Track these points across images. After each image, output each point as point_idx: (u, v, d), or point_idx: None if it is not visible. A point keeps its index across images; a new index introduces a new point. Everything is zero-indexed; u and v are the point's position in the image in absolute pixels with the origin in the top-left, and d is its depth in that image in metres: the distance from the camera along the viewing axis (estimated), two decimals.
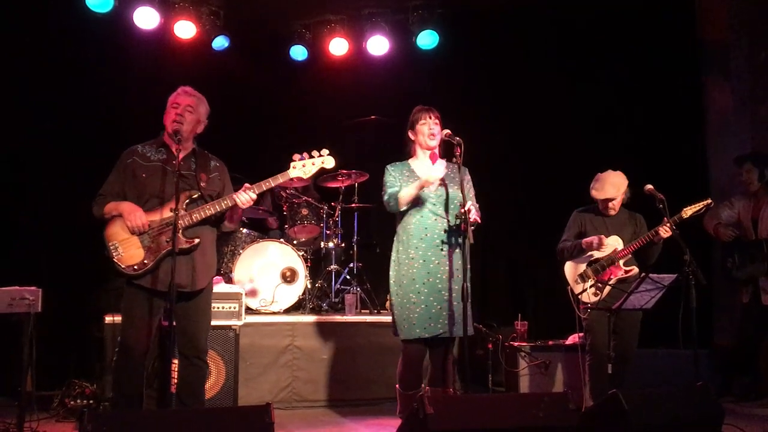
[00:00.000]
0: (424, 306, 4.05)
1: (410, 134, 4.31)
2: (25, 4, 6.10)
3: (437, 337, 4.06)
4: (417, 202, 4.14)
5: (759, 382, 5.78)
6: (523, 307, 6.76)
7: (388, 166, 4.32)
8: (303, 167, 3.87)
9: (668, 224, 4.62)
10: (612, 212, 4.98)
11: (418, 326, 4.04)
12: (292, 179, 4.00)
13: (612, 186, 4.91)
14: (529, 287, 7.34)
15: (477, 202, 4.23)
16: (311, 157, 3.89)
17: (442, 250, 4.09)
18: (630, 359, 4.77)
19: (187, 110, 3.88)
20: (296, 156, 3.88)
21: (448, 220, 4.13)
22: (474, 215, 3.99)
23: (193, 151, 3.96)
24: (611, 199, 4.92)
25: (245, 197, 3.78)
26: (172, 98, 3.93)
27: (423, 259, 4.09)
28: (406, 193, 4.11)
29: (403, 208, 4.16)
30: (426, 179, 4.03)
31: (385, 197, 4.24)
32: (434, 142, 4.22)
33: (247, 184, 3.82)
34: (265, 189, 3.86)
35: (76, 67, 6.31)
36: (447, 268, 4.07)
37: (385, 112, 6.71)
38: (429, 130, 4.20)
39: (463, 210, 3.90)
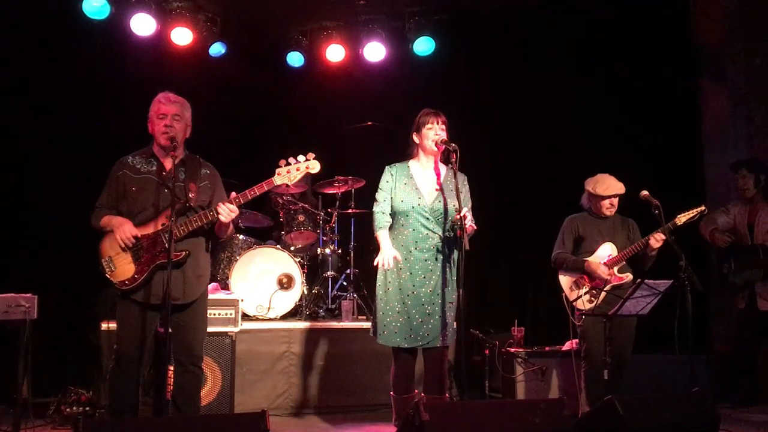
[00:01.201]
0: (407, 317, 4.06)
1: (415, 137, 4.27)
2: (22, 11, 6.11)
3: (421, 347, 4.08)
4: (410, 215, 4.13)
5: (757, 387, 5.78)
6: (522, 312, 6.76)
7: (388, 167, 4.30)
8: (288, 173, 3.82)
9: (659, 233, 4.63)
10: (610, 212, 4.94)
11: (399, 335, 4.06)
12: (287, 186, 3.98)
13: (616, 182, 4.92)
14: (528, 290, 7.31)
15: (474, 209, 4.21)
16: (297, 162, 3.85)
17: (430, 264, 4.10)
18: (625, 365, 4.77)
19: (174, 119, 3.85)
20: (282, 162, 3.84)
21: (443, 234, 4.13)
22: (469, 222, 3.98)
23: (183, 160, 3.92)
24: (616, 196, 4.90)
25: (225, 210, 3.73)
26: (156, 108, 3.88)
27: (410, 272, 4.10)
28: (379, 242, 4.16)
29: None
30: (386, 259, 4.06)
31: (375, 216, 4.24)
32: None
33: (233, 193, 3.79)
34: (250, 198, 3.82)
35: (75, 73, 6.31)
36: (432, 281, 4.09)
37: (382, 118, 6.72)
38: (435, 135, 4.16)
39: (458, 216, 3.88)
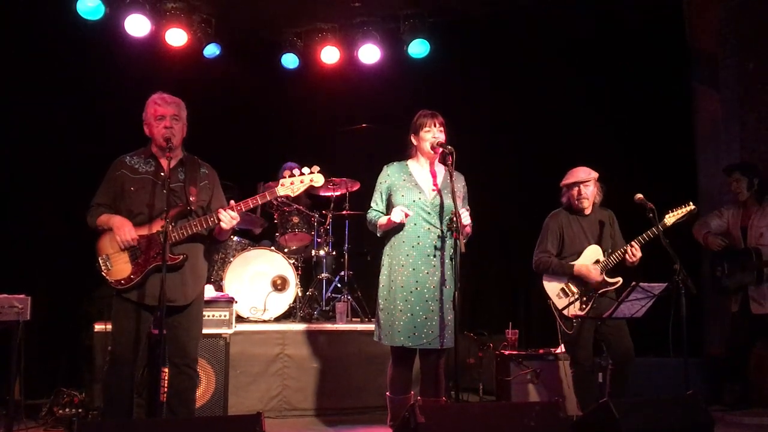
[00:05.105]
0: (410, 315, 4.01)
1: (413, 138, 4.22)
2: (16, 10, 6.08)
3: (423, 347, 4.04)
4: (411, 209, 4.07)
5: (749, 390, 5.80)
6: (516, 314, 6.76)
7: (386, 166, 4.27)
8: (291, 185, 3.83)
9: (635, 246, 4.61)
10: (586, 203, 4.82)
11: (402, 335, 4.01)
12: (288, 198, 3.96)
13: (582, 171, 4.85)
14: (522, 292, 7.31)
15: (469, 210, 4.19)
16: (301, 174, 3.85)
17: (432, 259, 4.06)
18: (631, 360, 4.64)
19: (173, 120, 3.84)
20: (286, 173, 3.85)
21: (441, 229, 4.09)
22: (466, 218, 3.94)
23: (181, 161, 3.92)
24: (582, 182, 4.80)
25: (227, 217, 3.74)
26: (152, 110, 3.86)
27: (413, 268, 4.05)
28: (383, 223, 4.10)
29: (380, 234, 4.19)
30: (394, 219, 3.98)
31: (368, 216, 4.24)
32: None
33: (232, 202, 3.78)
34: (252, 206, 3.83)
35: (68, 75, 6.28)
36: (436, 278, 4.04)
37: (376, 120, 6.73)
38: (433, 138, 4.13)
39: (454, 218, 3.87)
